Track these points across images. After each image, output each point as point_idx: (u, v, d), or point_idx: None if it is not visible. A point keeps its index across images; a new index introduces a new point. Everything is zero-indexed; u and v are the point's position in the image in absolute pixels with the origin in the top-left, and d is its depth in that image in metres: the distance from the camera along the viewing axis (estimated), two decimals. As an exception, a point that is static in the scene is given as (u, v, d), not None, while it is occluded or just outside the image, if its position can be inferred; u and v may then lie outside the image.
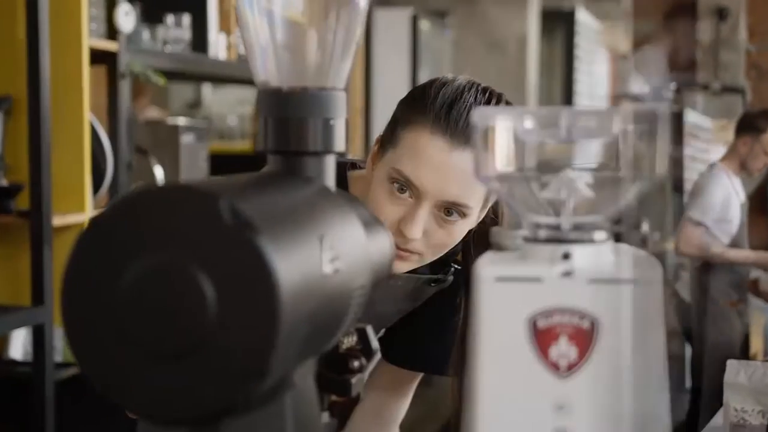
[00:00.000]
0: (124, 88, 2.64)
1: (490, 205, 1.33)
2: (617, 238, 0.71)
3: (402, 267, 1.29)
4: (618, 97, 8.69)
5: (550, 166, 0.72)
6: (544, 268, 0.68)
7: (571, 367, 0.67)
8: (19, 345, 2.57)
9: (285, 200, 0.69)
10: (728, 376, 1.93)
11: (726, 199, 4.25)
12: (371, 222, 0.84)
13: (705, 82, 6.83)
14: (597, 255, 0.69)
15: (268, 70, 0.82)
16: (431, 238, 1.27)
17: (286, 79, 0.82)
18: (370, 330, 0.88)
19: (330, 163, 0.82)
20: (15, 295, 2.42)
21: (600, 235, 0.70)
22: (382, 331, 1.52)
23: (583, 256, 0.68)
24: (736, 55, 9.21)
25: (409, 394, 1.53)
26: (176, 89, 4.73)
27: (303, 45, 0.82)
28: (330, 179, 0.81)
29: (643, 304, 0.67)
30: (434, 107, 1.23)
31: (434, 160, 1.22)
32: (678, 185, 6.26)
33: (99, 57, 2.60)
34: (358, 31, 0.84)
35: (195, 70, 3.10)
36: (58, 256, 2.38)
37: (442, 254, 1.31)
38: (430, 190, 1.23)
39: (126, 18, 2.61)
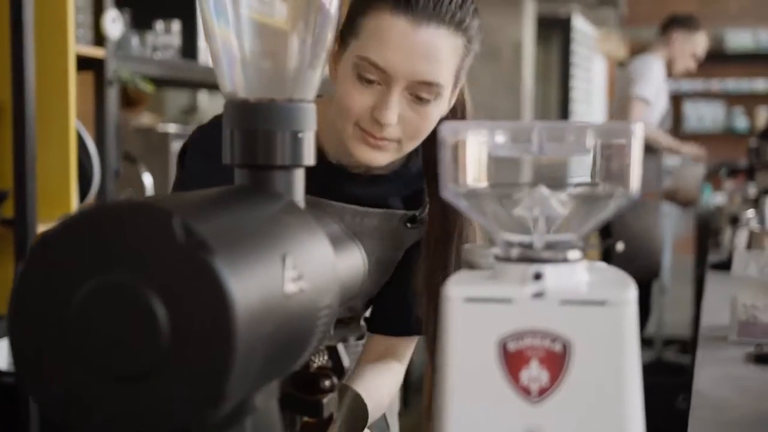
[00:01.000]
0: (112, 95, 2.61)
1: (461, 85, 1.31)
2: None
3: (382, 158, 1.27)
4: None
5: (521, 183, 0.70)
6: (515, 289, 0.65)
7: (543, 392, 0.64)
8: (4, 354, 2.54)
9: (246, 217, 0.66)
10: (736, 269, 1.82)
11: (660, 84, 4.35)
12: (341, 238, 0.82)
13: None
14: (570, 275, 0.67)
15: (235, 81, 0.80)
16: (407, 124, 1.24)
17: (253, 90, 0.79)
18: (341, 348, 0.86)
19: (299, 177, 0.79)
20: (0, 304, 2.39)
21: (574, 254, 0.68)
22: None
23: (555, 275, 0.66)
24: None
25: (405, 362, 1.49)
26: (171, 95, 4.71)
27: (271, 55, 0.79)
28: (299, 194, 0.79)
29: (617, 327, 0.64)
30: None
31: (399, 40, 1.20)
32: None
33: (86, 63, 2.57)
34: (328, 40, 0.82)
35: (184, 77, 3.08)
36: (43, 265, 2.35)
37: (418, 142, 1.28)
38: (399, 71, 1.21)
39: (113, 24, 2.59)
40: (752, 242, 2.75)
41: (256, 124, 0.77)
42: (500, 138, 0.67)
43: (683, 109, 9.84)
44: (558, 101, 7.30)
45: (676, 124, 9.89)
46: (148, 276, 0.57)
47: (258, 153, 0.77)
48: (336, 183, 1.37)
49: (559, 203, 0.67)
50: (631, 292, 0.65)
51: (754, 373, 1.59)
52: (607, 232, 4.09)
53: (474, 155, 0.68)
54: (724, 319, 1.90)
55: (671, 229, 6.00)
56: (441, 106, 1.26)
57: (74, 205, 2.48)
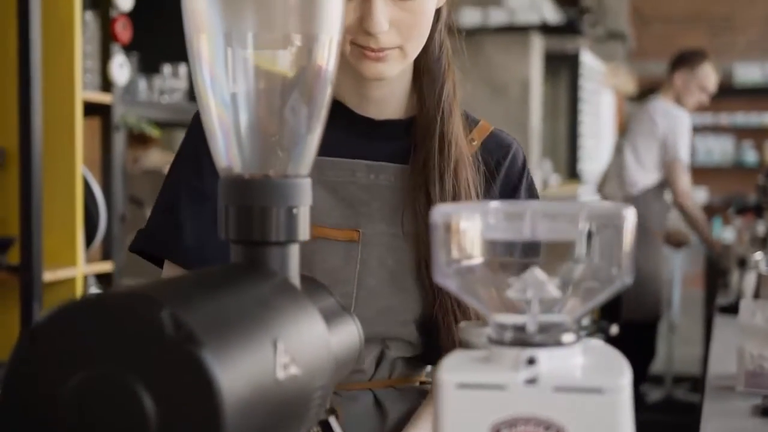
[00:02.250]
0: (118, 140, 2.62)
1: None
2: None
3: (388, 69, 1.20)
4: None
5: (515, 263, 0.70)
6: (508, 375, 0.65)
7: (537, 480, 0.63)
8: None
9: (237, 302, 0.66)
10: (742, 318, 1.79)
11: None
12: (336, 312, 0.81)
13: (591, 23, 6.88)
14: (564, 359, 0.66)
15: (230, 157, 0.80)
16: (401, 26, 1.17)
17: (248, 165, 0.79)
18: (333, 421, 0.85)
19: (294, 253, 0.79)
20: (4, 352, 2.39)
21: (568, 337, 0.67)
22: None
23: (549, 360, 0.65)
24: (620, 0, 9.25)
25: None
26: (182, 132, 4.73)
27: (266, 130, 0.79)
28: (293, 269, 0.79)
29: (612, 414, 0.63)
30: None
31: None
32: None
33: (93, 109, 2.59)
34: (323, 115, 0.82)
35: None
36: (48, 312, 2.35)
37: (423, 41, 1.21)
38: None
39: (120, 70, 2.60)
40: (761, 286, 2.73)
41: (251, 200, 0.77)
42: (492, 220, 0.67)
43: (692, 143, 9.82)
44: (566, 136, 7.30)
45: (685, 157, 9.88)
46: (137, 369, 0.57)
47: (253, 229, 0.77)
48: (356, 135, 1.29)
49: (552, 286, 0.67)
50: (625, 378, 0.64)
51: (761, 427, 1.58)
52: None
53: (465, 237, 0.67)
54: (732, 366, 1.89)
55: (680, 265, 5.98)
56: None
57: (80, 251, 2.49)
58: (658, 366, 5.53)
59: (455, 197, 1.23)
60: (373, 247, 1.24)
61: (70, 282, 2.47)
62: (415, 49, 1.20)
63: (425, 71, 1.28)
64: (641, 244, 4.16)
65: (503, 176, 1.31)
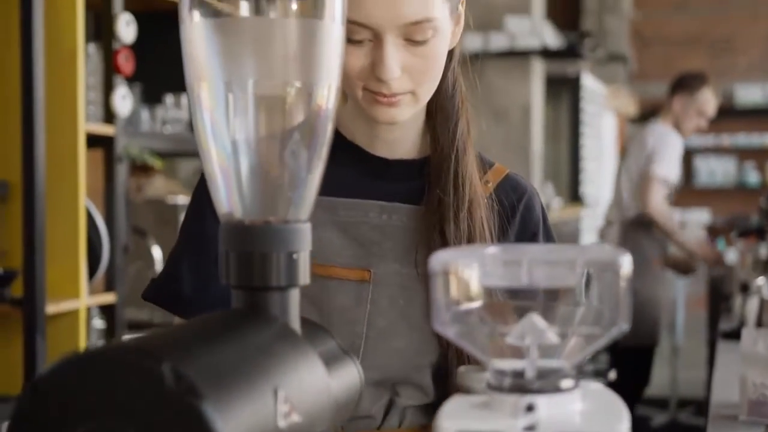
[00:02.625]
0: (121, 171, 2.63)
1: (462, 7, 1.23)
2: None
3: (400, 113, 1.19)
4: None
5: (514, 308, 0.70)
6: (507, 422, 0.65)
7: None
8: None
9: (237, 352, 0.66)
10: (744, 346, 1.79)
11: (678, 159, 4.39)
12: (336, 355, 0.82)
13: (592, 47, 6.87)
14: (563, 405, 0.66)
15: (231, 202, 0.80)
16: (413, 71, 1.16)
17: (249, 211, 0.80)
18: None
19: (294, 297, 0.79)
20: (7, 385, 2.39)
21: (567, 383, 0.67)
22: None
23: (548, 407, 0.66)
24: (620, 22, 9.28)
25: None
26: (185, 160, 4.75)
27: (266, 177, 0.80)
28: (294, 314, 0.79)
29: (611, 461, 0.64)
30: None
31: None
32: None
33: (96, 140, 2.60)
34: (323, 159, 0.82)
35: (194, 150, 3.10)
36: (52, 346, 2.36)
37: (435, 85, 1.20)
38: (384, 21, 1.13)
39: (123, 102, 2.62)
40: (763, 311, 2.73)
41: (252, 246, 0.78)
42: (490, 267, 0.68)
43: (694, 164, 9.86)
44: (568, 159, 7.32)
45: (687, 179, 9.91)
46: (139, 422, 0.58)
47: (254, 275, 0.78)
48: (369, 175, 1.28)
49: (551, 332, 0.67)
50: (624, 424, 0.65)
51: (765, 457, 1.57)
52: None
53: (464, 284, 0.68)
54: (735, 394, 1.88)
55: (684, 287, 5.97)
56: (443, 40, 1.18)
57: (83, 283, 2.49)
58: (662, 389, 5.50)
59: (470, 237, 1.22)
60: (385, 288, 1.23)
61: (73, 314, 2.47)
62: (427, 93, 1.20)
63: (439, 110, 1.27)
64: (636, 269, 4.15)
65: (519, 221, 1.30)
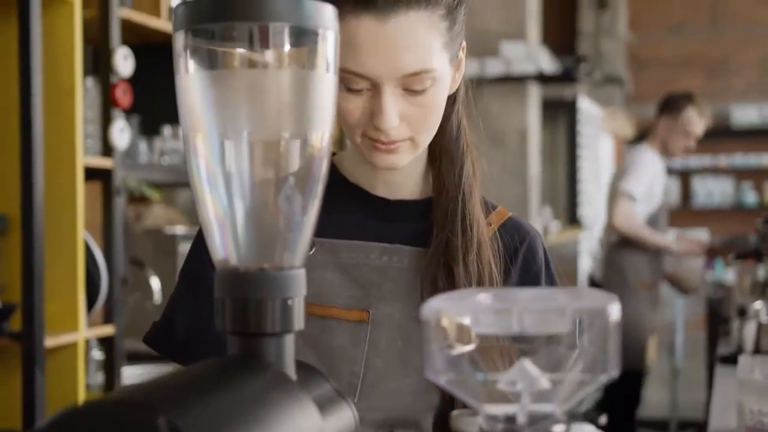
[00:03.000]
0: (119, 203, 2.65)
1: (461, 56, 1.23)
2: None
3: (399, 159, 1.19)
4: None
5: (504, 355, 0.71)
6: (500, 468, 0.66)
7: None
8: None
9: (233, 402, 0.67)
10: (741, 373, 1.79)
11: (654, 175, 4.37)
12: (331, 399, 0.83)
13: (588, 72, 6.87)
14: (555, 451, 0.67)
15: (226, 250, 0.81)
16: (411, 120, 1.17)
17: (244, 258, 0.81)
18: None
19: (289, 343, 0.81)
20: (6, 419, 2.40)
21: (558, 428, 0.68)
22: None
23: (540, 453, 0.67)
24: (616, 45, 9.32)
25: None
26: (183, 189, 4.76)
27: (261, 224, 0.81)
28: (289, 359, 0.80)
29: (602, 507, 0.65)
30: None
31: (369, 40, 1.12)
32: None
33: (94, 174, 2.62)
34: (317, 205, 0.83)
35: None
36: (51, 379, 2.37)
37: (434, 132, 1.20)
38: (381, 72, 1.13)
39: (121, 135, 2.63)
40: (761, 336, 2.73)
41: (247, 293, 0.79)
42: (482, 316, 0.69)
43: (692, 185, 9.88)
44: (566, 182, 7.34)
45: (684, 199, 9.94)
46: (135, 476, 0.59)
47: (249, 321, 0.79)
48: (371, 216, 1.29)
49: (543, 377, 0.68)
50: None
51: (763, 486, 1.58)
52: None
53: (456, 333, 0.69)
54: (733, 420, 1.89)
55: (683, 308, 5.98)
56: (442, 88, 1.19)
57: (82, 315, 2.50)
58: (662, 411, 5.50)
59: (480, 279, 1.23)
60: (383, 329, 1.23)
61: (72, 347, 2.48)
62: (426, 140, 1.21)
63: (443, 153, 1.27)
64: (618, 294, 4.11)
65: (521, 264, 1.30)
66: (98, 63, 2.71)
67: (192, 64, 0.79)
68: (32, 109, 2.34)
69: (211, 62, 0.80)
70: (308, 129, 0.81)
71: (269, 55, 0.79)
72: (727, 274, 7.63)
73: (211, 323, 1.05)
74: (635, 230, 4.35)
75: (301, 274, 0.81)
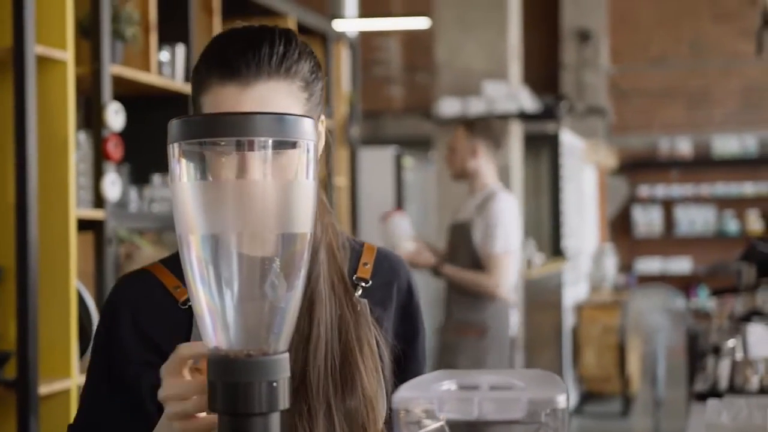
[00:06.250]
0: (110, 253, 2.73)
1: (321, 128, 1.28)
2: None
3: None
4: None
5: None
6: None
7: None
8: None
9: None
10: (709, 418, 1.85)
11: None
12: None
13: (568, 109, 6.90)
14: None
15: (217, 338, 0.90)
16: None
17: (233, 344, 0.90)
18: None
19: (275, 421, 0.89)
20: (1, 467, 2.46)
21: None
22: None
23: None
24: (598, 76, 9.45)
25: None
26: (171, 233, 4.82)
27: (248, 315, 0.90)
28: (275, 436, 0.89)
29: None
30: (213, 59, 1.21)
31: (232, 104, 1.18)
32: None
33: (86, 224, 2.70)
34: (298, 297, 0.92)
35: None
36: (45, 426, 2.44)
37: None
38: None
39: (112, 187, 2.72)
40: (735, 374, 2.81)
41: (236, 377, 0.88)
42: (448, 405, 0.78)
43: (675, 213, 10.01)
44: (549, 214, 7.43)
45: (668, 228, 10.06)
46: None
47: (237, 402, 0.88)
48: None
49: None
50: None
51: None
52: None
53: (423, 419, 0.78)
54: (707, 462, 1.96)
55: (665, 337, 6.06)
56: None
57: (74, 362, 2.57)
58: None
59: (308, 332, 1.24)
60: None
61: (65, 394, 2.55)
62: None
63: None
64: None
65: (400, 297, 1.35)
66: (90, 117, 2.80)
67: (185, 175, 0.88)
68: (27, 163, 2.43)
69: (202, 172, 0.89)
70: (293, 229, 0.90)
71: (254, 166, 0.89)
72: (710, 302, 7.72)
73: (137, 417, 1.11)
74: (455, 276, 3.96)
75: (284, 357, 0.90)
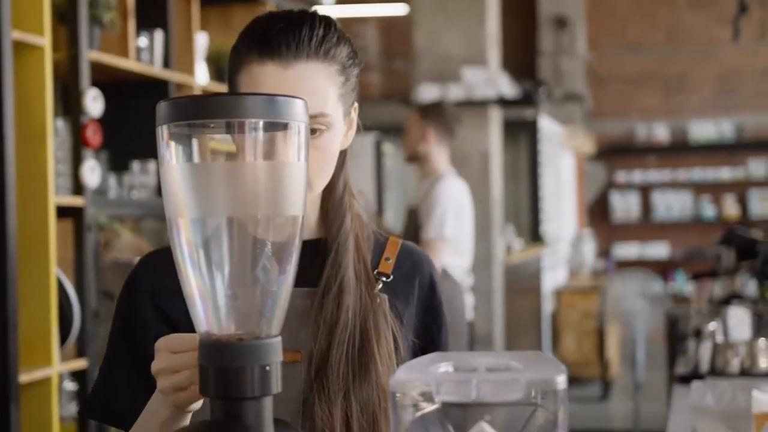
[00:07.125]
0: (90, 240, 2.71)
1: (354, 115, 1.30)
2: None
3: None
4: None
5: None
6: None
7: None
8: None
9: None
10: (693, 399, 1.84)
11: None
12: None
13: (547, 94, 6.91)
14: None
15: (208, 322, 0.89)
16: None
17: (225, 328, 0.89)
18: None
19: (268, 405, 0.88)
20: (-18, 455, 2.44)
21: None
22: None
23: None
24: (576, 63, 9.50)
25: None
26: (151, 221, 4.79)
27: (239, 299, 0.89)
28: (267, 420, 0.88)
29: None
30: (254, 38, 1.22)
31: (271, 83, 1.20)
32: None
33: (66, 211, 2.67)
34: (289, 281, 0.91)
35: (161, 214, 3.18)
36: (26, 414, 2.42)
37: (328, 177, 1.26)
38: None
39: (92, 174, 2.69)
40: (716, 356, 2.83)
41: (228, 361, 0.87)
42: (445, 387, 0.77)
43: (652, 199, 10.06)
44: (528, 200, 7.45)
45: (645, 213, 10.11)
46: None
47: (229, 387, 0.87)
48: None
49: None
50: None
51: None
52: None
53: (420, 401, 0.77)
54: (688, 444, 1.97)
55: (645, 321, 6.09)
56: (336, 137, 1.26)
57: (55, 350, 2.55)
58: (625, 423, 5.60)
59: (335, 321, 1.25)
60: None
61: (45, 382, 2.53)
62: (320, 185, 1.27)
63: (330, 208, 1.32)
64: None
65: (421, 293, 1.35)
66: (68, 103, 2.77)
67: (174, 157, 0.87)
68: (5, 151, 2.40)
69: (191, 154, 0.88)
70: (282, 212, 0.89)
71: (245, 147, 0.87)
72: (687, 286, 7.76)
73: (150, 388, 1.11)
74: None
75: (277, 341, 0.89)
